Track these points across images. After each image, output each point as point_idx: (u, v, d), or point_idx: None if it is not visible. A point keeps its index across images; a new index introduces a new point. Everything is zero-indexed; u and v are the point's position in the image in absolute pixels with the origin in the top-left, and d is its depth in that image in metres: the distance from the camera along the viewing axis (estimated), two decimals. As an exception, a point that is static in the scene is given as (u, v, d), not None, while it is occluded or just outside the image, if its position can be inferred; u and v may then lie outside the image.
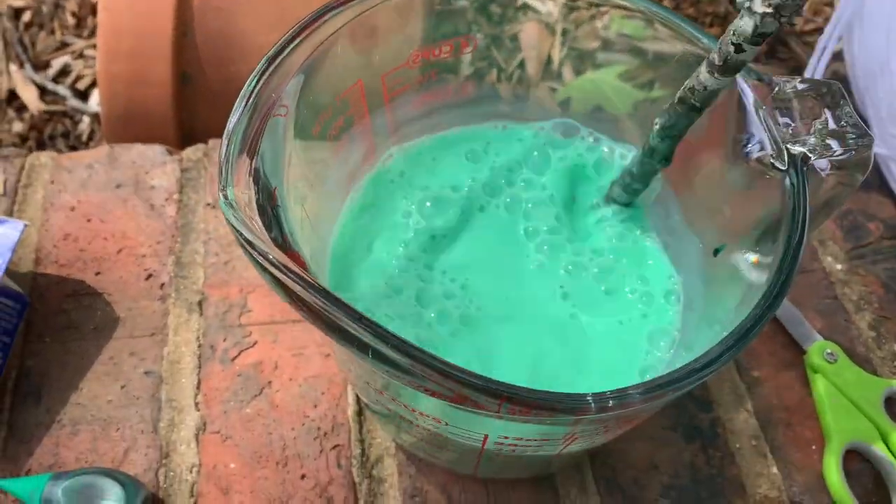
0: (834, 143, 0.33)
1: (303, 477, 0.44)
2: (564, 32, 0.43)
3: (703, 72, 0.33)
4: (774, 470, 0.46)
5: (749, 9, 0.29)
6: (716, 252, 0.38)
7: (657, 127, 0.36)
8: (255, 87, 0.30)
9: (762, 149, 0.35)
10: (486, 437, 0.31)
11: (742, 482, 0.45)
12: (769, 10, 0.28)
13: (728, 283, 0.37)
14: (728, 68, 0.32)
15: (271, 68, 0.31)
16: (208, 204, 0.53)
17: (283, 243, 0.28)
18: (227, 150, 0.29)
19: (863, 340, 0.51)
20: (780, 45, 0.78)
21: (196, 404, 0.46)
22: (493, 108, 0.45)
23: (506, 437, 0.31)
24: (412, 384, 0.27)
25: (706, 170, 0.39)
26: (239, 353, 0.48)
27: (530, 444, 0.32)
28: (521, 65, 0.45)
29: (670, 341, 0.37)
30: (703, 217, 0.40)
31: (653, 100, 0.43)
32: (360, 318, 0.26)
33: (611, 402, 0.27)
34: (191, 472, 0.44)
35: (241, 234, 0.27)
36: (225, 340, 0.48)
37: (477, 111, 0.45)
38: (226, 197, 0.28)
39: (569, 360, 0.36)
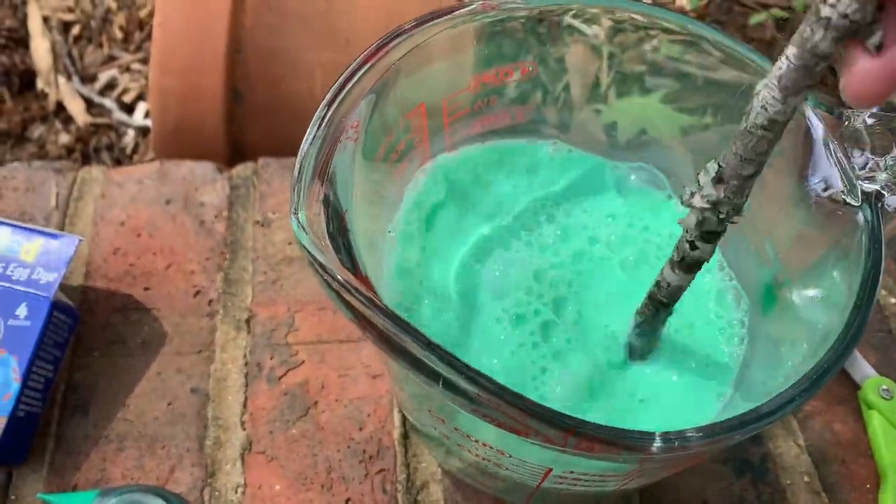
0: (901, 187, 0.33)
1: (347, 501, 0.44)
2: (611, 55, 0.43)
3: (665, 268, 0.33)
4: (828, 508, 0.45)
5: (691, 204, 0.30)
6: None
7: (634, 325, 0.36)
8: (326, 112, 0.30)
9: (830, 184, 0.34)
10: (549, 470, 0.31)
11: (795, 520, 0.44)
12: (707, 205, 0.29)
13: (789, 322, 0.36)
14: (687, 265, 0.32)
15: (342, 94, 0.31)
16: (257, 222, 0.53)
17: (353, 267, 0.28)
18: (299, 173, 0.29)
19: (918, 377, 0.50)
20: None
21: (242, 423, 0.46)
22: (543, 130, 0.45)
23: (571, 472, 0.30)
24: (480, 414, 0.26)
25: (769, 203, 0.39)
26: (286, 373, 0.48)
27: (594, 480, 0.31)
28: (567, 87, 0.45)
29: (732, 381, 0.37)
30: (762, 244, 0.39)
31: (703, 126, 0.43)
32: (431, 345, 0.25)
33: (677, 442, 0.27)
34: (236, 492, 0.44)
35: (313, 257, 0.27)
36: (272, 359, 0.48)
37: (529, 134, 0.45)
38: (298, 220, 0.28)
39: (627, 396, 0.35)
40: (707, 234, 0.30)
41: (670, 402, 0.35)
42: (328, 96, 0.31)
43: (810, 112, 0.34)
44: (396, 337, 0.26)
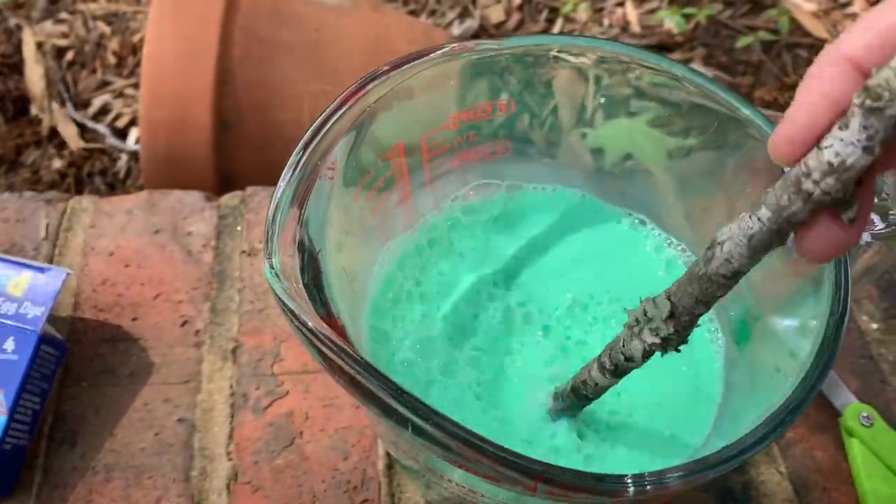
0: (875, 218, 0.33)
1: (332, 530, 0.44)
2: (598, 79, 0.43)
3: (594, 369, 0.33)
4: (809, 536, 0.45)
5: (639, 335, 0.30)
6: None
7: (553, 402, 0.36)
8: (301, 156, 0.31)
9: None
10: (522, 508, 0.31)
11: (776, 548, 0.45)
12: (657, 340, 0.29)
13: (766, 353, 0.37)
14: (618, 372, 0.32)
15: (317, 138, 0.32)
16: (244, 251, 0.54)
17: (326, 310, 0.29)
18: (273, 217, 0.29)
19: (899, 403, 0.50)
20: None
21: (228, 454, 0.47)
22: (527, 164, 0.45)
23: (544, 510, 0.31)
24: (450, 460, 0.27)
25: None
26: (271, 403, 0.48)
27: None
28: (555, 111, 0.45)
29: (713, 410, 0.37)
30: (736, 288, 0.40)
31: (688, 148, 0.43)
32: (400, 392, 0.26)
33: (649, 486, 0.27)
34: (221, 522, 0.45)
35: (284, 305, 0.27)
36: (258, 389, 0.49)
37: (512, 166, 0.45)
38: (272, 266, 0.28)
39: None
40: (647, 355, 0.30)
41: (647, 444, 0.36)
42: (305, 138, 0.31)
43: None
44: (367, 383, 0.26)
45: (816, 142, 0.22)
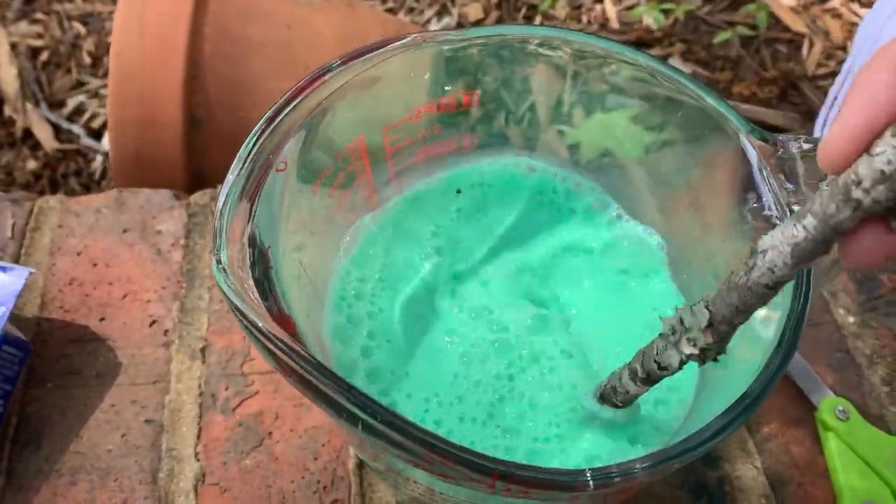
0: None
1: (301, 531, 0.44)
2: (575, 75, 0.43)
3: (625, 376, 0.32)
4: (784, 531, 0.45)
5: (675, 345, 0.29)
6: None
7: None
8: (252, 148, 0.30)
9: (768, 208, 0.34)
10: (482, 506, 0.31)
11: (750, 544, 0.44)
12: (695, 351, 0.28)
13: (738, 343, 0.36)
14: (650, 381, 0.31)
15: (269, 129, 0.31)
16: (214, 250, 0.53)
17: (277, 307, 0.28)
18: (221, 211, 0.29)
19: (875, 396, 0.50)
20: (791, 90, 0.77)
21: (196, 454, 0.46)
22: (500, 156, 0.45)
23: (505, 509, 0.30)
24: (403, 458, 0.26)
25: (709, 231, 0.39)
26: (240, 403, 0.48)
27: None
28: (532, 108, 0.45)
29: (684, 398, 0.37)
30: (704, 272, 0.40)
31: (663, 142, 0.43)
32: (349, 389, 0.25)
33: (614, 478, 0.27)
34: (188, 524, 0.44)
35: (232, 303, 0.27)
36: (227, 389, 0.48)
37: (484, 160, 0.45)
38: (219, 261, 0.28)
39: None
40: (683, 365, 0.30)
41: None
42: (255, 130, 0.31)
43: (745, 139, 0.34)
44: (315, 381, 0.26)
45: (867, 148, 0.22)
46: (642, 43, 0.77)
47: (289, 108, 0.32)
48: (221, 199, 0.29)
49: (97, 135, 0.79)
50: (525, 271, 0.41)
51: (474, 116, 0.42)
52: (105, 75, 0.83)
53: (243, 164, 0.30)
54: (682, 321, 0.28)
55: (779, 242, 0.24)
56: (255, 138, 0.30)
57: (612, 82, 0.41)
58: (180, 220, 0.54)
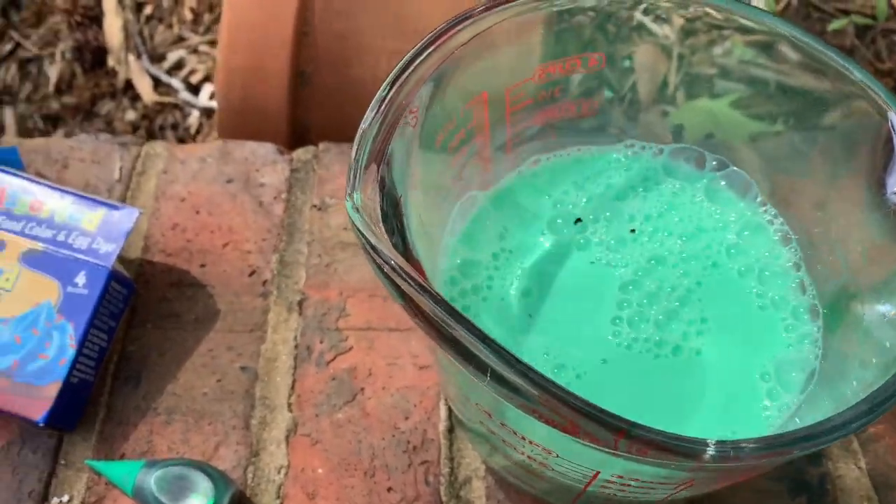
0: None
1: (389, 490, 0.44)
2: (681, 56, 0.42)
3: None
4: (886, 534, 0.43)
5: None
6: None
7: None
8: (387, 93, 0.30)
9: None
10: (597, 473, 0.30)
11: (850, 543, 0.43)
12: None
13: (857, 338, 0.35)
14: None
15: (404, 76, 0.30)
16: (314, 205, 0.53)
17: (406, 253, 0.28)
18: (356, 155, 0.28)
19: None
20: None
21: (289, 405, 0.46)
22: (608, 130, 0.44)
23: (619, 476, 0.29)
24: (528, 410, 0.25)
25: (843, 209, 0.37)
26: (334, 357, 0.48)
27: (642, 487, 0.30)
28: (634, 87, 0.44)
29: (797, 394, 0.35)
30: (832, 262, 0.38)
31: (774, 133, 0.41)
32: (484, 338, 0.25)
33: (732, 451, 0.26)
34: (279, 473, 0.44)
35: (365, 238, 0.26)
36: (321, 343, 0.48)
37: (594, 131, 0.44)
38: (353, 201, 0.27)
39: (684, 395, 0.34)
40: None
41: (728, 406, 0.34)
42: (390, 77, 0.30)
43: (894, 117, 0.33)
44: (446, 325, 0.25)
45: None
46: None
47: (423, 56, 0.31)
48: (357, 140, 0.29)
49: (195, 90, 0.80)
50: (658, 262, 0.39)
51: (594, 80, 0.41)
52: (206, 32, 0.84)
53: (378, 108, 0.29)
54: None
55: None
56: (390, 84, 0.30)
57: (720, 64, 0.40)
58: (283, 174, 0.55)
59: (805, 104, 0.37)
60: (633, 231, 0.40)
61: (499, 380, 0.25)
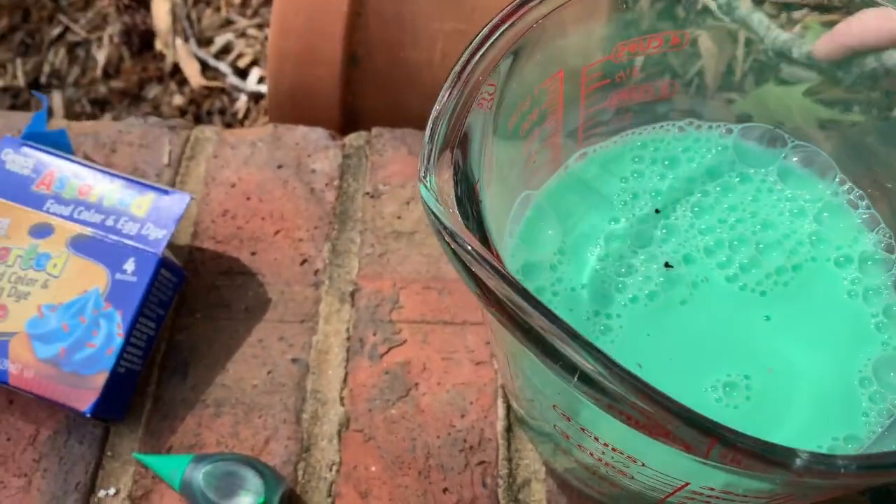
0: None
1: (445, 491, 0.42)
2: (748, 42, 0.39)
3: None
4: (980, 552, 0.40)
5: None
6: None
7: None
8: (464, 69, 0.28)
9: None
10: (685, 484, 0.27)
11: (940, 561, 0.40)
12: None
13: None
14: None
15: (482, 50, 0.28)
16: (367, 193, 0.51)
17: (483, 239, 0.26)
18: (431, 134, 0.26)
19: None
20: None
21: (341, 399, 0.44)
22: (672, 116, 0.41)
23: (710, 489, 0.27)
24: (616, 412, 0.23)
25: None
26: (388, 350, 0.46)
27: (733, 502, 0.28)
28: (700, 73, 0.41)
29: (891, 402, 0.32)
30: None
31: (851, 123, 0.39)
32: (575, 335, 0.22)
33: (851, 466, 0.23)
34: (330, 470, 0.42)
35: (440, 223, 0.24)
36: (375, 335, 0.46)
37: (664, 114, 0.41)
38: (427, 184, 0.25)
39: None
40: None
41: (819, 414, 0.32)
42: (466, 52, 0.28)
43: None
44: (530, 320, 0.23)
45: None
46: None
47: (502, 29, 0.29)
48: (432, 119, 0.26)
49: (243, 74, 0.79)
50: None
51: (675, 60, 0.39)
52: (254, 15, 0.83)
53: (454, 83, 0.27)
54: None
55: None
56: (467, 58, 0.28)
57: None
58: (335, 160, 0.53)
59: (882, 92, 0.34)
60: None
61: (588, 382, 0.23)
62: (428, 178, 0.26)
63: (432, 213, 0.25)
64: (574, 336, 0.22)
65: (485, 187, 0.29)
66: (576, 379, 0.23)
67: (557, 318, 0.23)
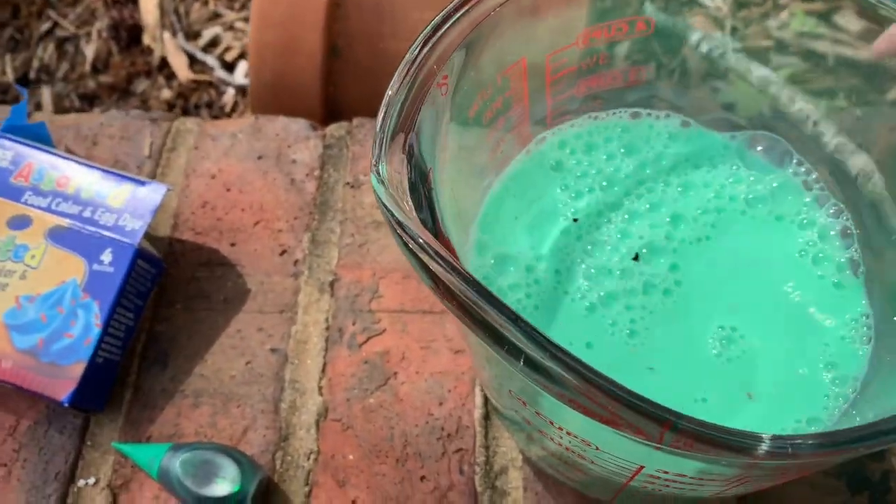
0: None
1: (422, 478, 0.42)
2: (734, 30, 0.39)
3: None
4: (954, 535, 0.40)
5: None
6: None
7: None
8: (417, 55, 0.28)
9: None
10: (640, 468, 0.28)
11: (914, 545, 0.40)
12: None
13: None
14: None
15: (435, 37, 0.28)
16: (347, 183, 0.52)
17: (435, 229, 0.26)
18: (383, 122, 0.26)
19: None
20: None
21: (319, 388, 0.45)
22: (651, 100, 0.41)
23: (665, 472, 0.27)
24: (566, 399, 0.23)
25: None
26: (367, 340, 0.46)
27: (689, 483, 0.28)
28: (684, 61, 0.41)
29: (852, 384, 0.32)
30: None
31: (838, 109, 0.38)
32: (516, 319, 0.23)
33: (790, 447, 0.23)
34: (308, 458, 0.43)
35: (390, 213, 0.25)
36: (354, 325, 0.46)
37: (636, 101, 0.41)
38: (378, 173, 0.25)
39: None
40: None
41: (782, 398, 0.32)
42: (418, 40, 0.28)
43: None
44: (476, 307, 0.23)
45: None
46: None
47: (455, 17, 0.29)
48: (383, 108, 0.27)
49: (230, 67, 0.79)
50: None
51: (640, 49, 0.39)
52: (241, 8, 0.83)
53: (407, 71, 0.27)
54: None
55: None
56: (420, 45, 0.28)
57: (776, 37, 0.37)
58: (315, 150, 0.53)
59: (866, 80, 0.34)
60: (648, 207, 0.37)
61: (532, 366, 0.23)
62: (379, 167, 0.26)
63: (382, 203, 0.25)
64: (517, 322, 0.23)
65: (443, 177, 0.29)
66: (521, 364, 0.23)
67: (500, 302, 0.23)
